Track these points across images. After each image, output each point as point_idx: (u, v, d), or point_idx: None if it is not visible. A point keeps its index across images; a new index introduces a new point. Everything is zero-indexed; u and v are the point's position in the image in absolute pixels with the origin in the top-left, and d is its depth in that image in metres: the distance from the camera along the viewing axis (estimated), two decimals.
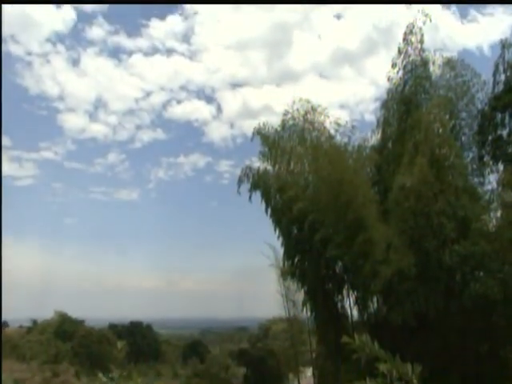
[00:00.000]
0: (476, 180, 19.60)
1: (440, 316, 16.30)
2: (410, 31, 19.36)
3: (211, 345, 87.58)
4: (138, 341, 71.53)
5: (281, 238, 21.03)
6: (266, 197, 21.14)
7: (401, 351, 2.95)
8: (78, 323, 71.44)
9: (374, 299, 19.35)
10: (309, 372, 35.05)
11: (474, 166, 19.69)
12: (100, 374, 3.04)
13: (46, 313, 76.26)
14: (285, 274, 24.34)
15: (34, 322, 76.08)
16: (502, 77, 18.96)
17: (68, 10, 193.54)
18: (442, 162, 17.43)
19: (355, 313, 20.46)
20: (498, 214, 17.54)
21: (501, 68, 18.92)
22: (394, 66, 19.79)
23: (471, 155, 19.86)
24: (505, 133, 19.11)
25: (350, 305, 20.48)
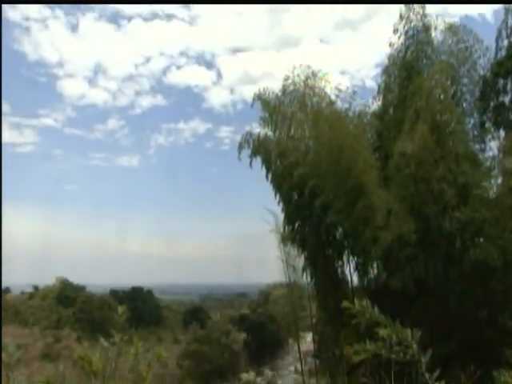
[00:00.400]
0: (477, 146, 19.54)
1: (440, 282, 16.41)
2: None
3: (212, 311, 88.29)
4: (138, 306, 72.15)
5: (281, 204, 21.06)
6: (267, 162, 21.10)
7: (400, 317, 2.98)
8: (79, 289, 72.08)
9: (374, 265, 19.44)
10: (309, 337, 35.42)
11: (475, 133, 19.61)
12: (101, 339, 3.07)
13: (47, 279, 76.90)
14: (285, 239, 24.40)
15: (36, 288, 76.71)
16: (505, 42, 18.77)
17: None
18: (443, 129, 17.35)
19: (355, 278, 20.61)
20: (499, 180, 17.51)
21: (503, 33, 18.71)
22: (395, 31, 19.56)
23: (472, 121, 19.78)
24: (507, 99, 19.00)
25: (350, 270, 20.61)
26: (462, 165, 16.78)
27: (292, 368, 58.20)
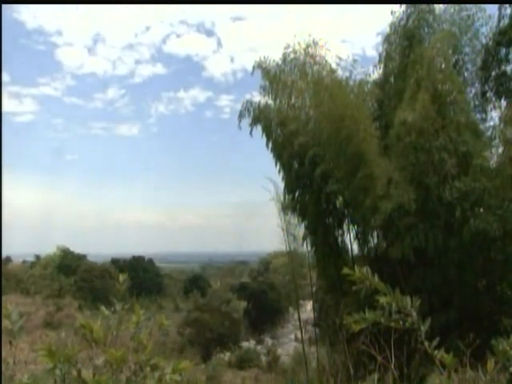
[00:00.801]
0: (478, 116, 19.45)
1: (439, 251, 16.49)
2: None
3: (212, 279, 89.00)
4: (140, 275, 72.62)
5: (281, 173, 21.04)
6: (267, 131, 21.03)
7: (400, 286, 3.00)
8: (80, 258, 72.43)
9: (374, 234, 19.50)
10: (309, 305, 35.72)
11: (477, 102, 19.51)
12: (102, 308, 3.10)
13: (48, 248, 77.26)
14: (285, 208, 24.44)
15: (37, 257, 77.09)
16: (508, 11, 18.56)
17: None
18: (444, 98, 17.25)
19: (355, 247, 20.70)
20: (500, 150, 17.47)
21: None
22: None
23: (474, 91, 19.66)
24: (509, 68, 18.86)
25: (350, 239, 20.66)
26: (462, 134, 16.73)
27: (292, 336, 58.80)
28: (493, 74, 18.89)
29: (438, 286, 16.52)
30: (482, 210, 16.15)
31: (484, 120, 19.38)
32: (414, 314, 2.71)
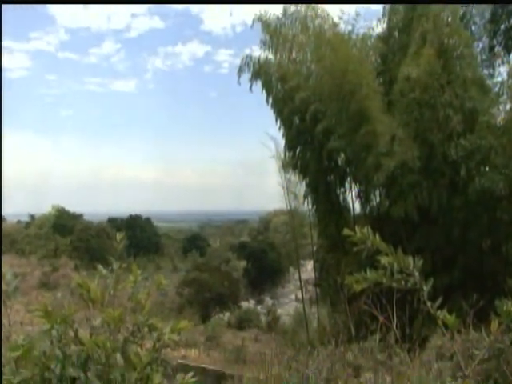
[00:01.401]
0: (486, 71, 19.32)
1: (443, 210, 16.55)
2: None
3: (211, 238, 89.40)
4: (137, 234, 72.81)
5: (282, 129, 21.01)
6: (267, 86, 20.91)
7: (402, 245, 3.01)
8: (76, 217, 72.46)
9: (377, 192, 19.57)
10: (310, 265, 35.98)
11: (484, 57, 19.34)
12: (99, 267, 3.11)
13: (43, 208, 77.38)
14: (286, 165, 24.47)
15: (32, 216, 77.11)
16: None
17: None
18: (451, 53, 17.09)
19: (357, 206, 20.78)
20: (508, 107, 17.36)
21: None
22: None
23: (481, 45, 19.50)
24: None
25: (351, 198, 20.77)
26: (469, 90, 16.61)
27: (292, 296, 59.33)
28: (502, 27, 18.68)
29: (441, 245, 16.62)
30: (487, 168, 16.14)
31: (492, 75, 19.25)
32: (417, 273, 2.72)
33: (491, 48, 19.06)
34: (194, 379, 2.84)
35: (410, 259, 2.73)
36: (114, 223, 74.26)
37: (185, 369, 3.16)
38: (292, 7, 20.30)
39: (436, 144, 16.50)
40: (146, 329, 2.92)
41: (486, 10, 19.03)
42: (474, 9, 19.24)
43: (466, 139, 15.93)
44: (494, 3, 17.89)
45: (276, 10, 20.87)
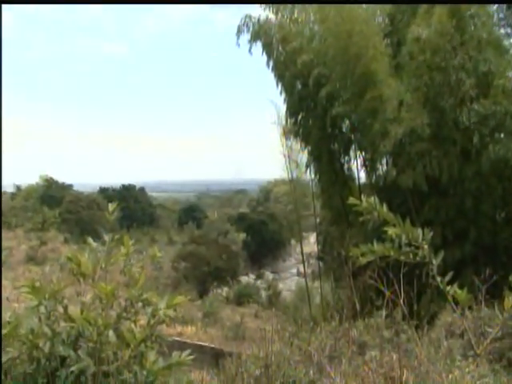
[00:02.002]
0: (502, 31, 19.07)
1: (454, 181, 16.48)
2: None
3: (208, 209, 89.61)
4: (130, 205, 72.86)
5: (283, 94, 20.89)
6: (268, 49, 20.73)
7: (411, 217, 3.01)
8: (66, 188, 72.42)
9: (384, 161, 19.52)
10: (312, 238, 36.10)
11: (501, 15, 19.11)
12: (90, 239, 3.11)
13: (30, 177, 77.24)
14: (287, 132, 24.38)
15: (18, 187, 76.87)
16: None
17: None
18: (464, 11, 16.86)
19: (363, 175, 20.76)
20: None
21: None
22: None
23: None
24: None
25: (357, 167, 20.71)
26: (483, 52, 16.43)
27: (294, 270, 59.78)
28: None
29: (452, 217, 16.61)
30: (502, 135, 16.04)
31: (509, 35, 19.02)
32: (426, 246, 2.72)
33: (509, 6, 18.80)
34: (190, 357, 2.86)
35: (419, 231, 2.73)
36: (106, 194, 74.13)
37: (181, 346, 3.18)
38: None
39: (447, 110, 16.40)
40: (139, 304, 2.94)
41: None
42: None
43: (480, 104, 15.81)
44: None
45: None
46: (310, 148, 21.46)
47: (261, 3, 20.66)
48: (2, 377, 2.60)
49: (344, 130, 20.56)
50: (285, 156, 26.01)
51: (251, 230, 64.21)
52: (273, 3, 20.56)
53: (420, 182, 16.39)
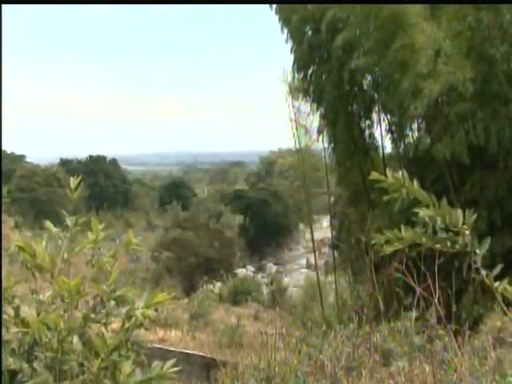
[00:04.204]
0: None
1: (505, 150, 16.37)
2: None
3: (197, 186, 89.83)
4: (99, 181, 72.84)
5: (290, 43, 20.82)
6: None
7: (449, 196, 3.00)
8: (16, 159, 72.08)
9: (414, 126, 19.51)
10: (325, 221, 36.23)
11: None
12: (48, 223, 3.09)
13: None
14: (295, 91, 24.36)
15: None
16: None
17: None
18: None
19: (388, 144, 20.74)
20: None
21: None
22: None
23: None
24: None
25: (381, 133, 20.71)
26: None
27: (303, 261, 59.99)
28: None
29: (501, 196, 16.55)
30: None
31: None
32: (468, 232, 2.70)
33: None
34: (175, 368, 2.85)
35: (459, 213, 2.71)
36: (69, 167, 73.81)
37: (164, 355, 3.18)
38: None
39: (498, 60, 16.28)
40: (112, 303, 2.92)
41: None
42: None
43: None
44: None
45: None
46: (322, 110, 21.44)
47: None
48: None
49: (365, 87, 20.53)
50: (291, 120, 26.02)
51: (250, 212, 64.30)
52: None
53: (460, 151, 16.32)
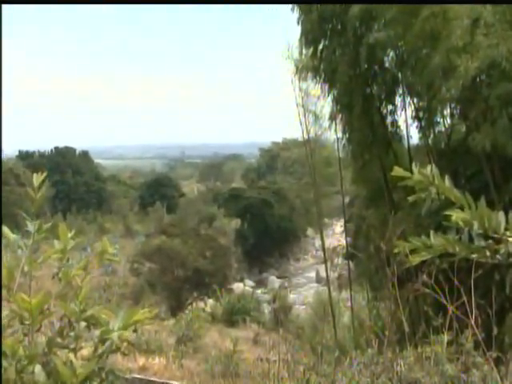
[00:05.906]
0: None
1: None
2: None
3: (185, 183, 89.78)
4: (67, 179, 72.72)
5: (297, 13, 20.82)
6: None
7: (488, 196, 2.99)
8: None
9: (447, 111, 19.51)
10: (338, 226, 36.27)
11: None
12: (5, 230, 3.08)
13: None
14: (302, 69, 24.37)
15: None
16: None
17: None
18: None
19: (414, 133, 20.72)
20: None
21: None
22: None
23: None
24: None
25: (406, 120, 20.71)
26: None
27: (312, 274, 60.07)
28: None
29: None
30: None
31: None
32: (511, 240, 2.70)
33: None
34: None
35: (501, 216, 2.70)
36: (30, 161, 73.60)
37: None
38: None
39: None
40: (82, 324, 2.92)
41: None
42: None
43: None
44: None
45: None
46: (335, 93, 21.44)
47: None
48: None
49: (387, 65, 20.53)
50: (298, 105, 26.00)
51: (248, 215, 64.24)
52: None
53: (503, 142, 16.27)
